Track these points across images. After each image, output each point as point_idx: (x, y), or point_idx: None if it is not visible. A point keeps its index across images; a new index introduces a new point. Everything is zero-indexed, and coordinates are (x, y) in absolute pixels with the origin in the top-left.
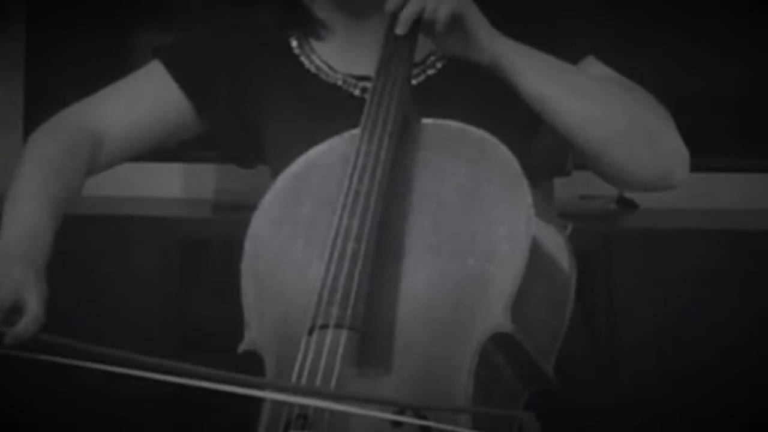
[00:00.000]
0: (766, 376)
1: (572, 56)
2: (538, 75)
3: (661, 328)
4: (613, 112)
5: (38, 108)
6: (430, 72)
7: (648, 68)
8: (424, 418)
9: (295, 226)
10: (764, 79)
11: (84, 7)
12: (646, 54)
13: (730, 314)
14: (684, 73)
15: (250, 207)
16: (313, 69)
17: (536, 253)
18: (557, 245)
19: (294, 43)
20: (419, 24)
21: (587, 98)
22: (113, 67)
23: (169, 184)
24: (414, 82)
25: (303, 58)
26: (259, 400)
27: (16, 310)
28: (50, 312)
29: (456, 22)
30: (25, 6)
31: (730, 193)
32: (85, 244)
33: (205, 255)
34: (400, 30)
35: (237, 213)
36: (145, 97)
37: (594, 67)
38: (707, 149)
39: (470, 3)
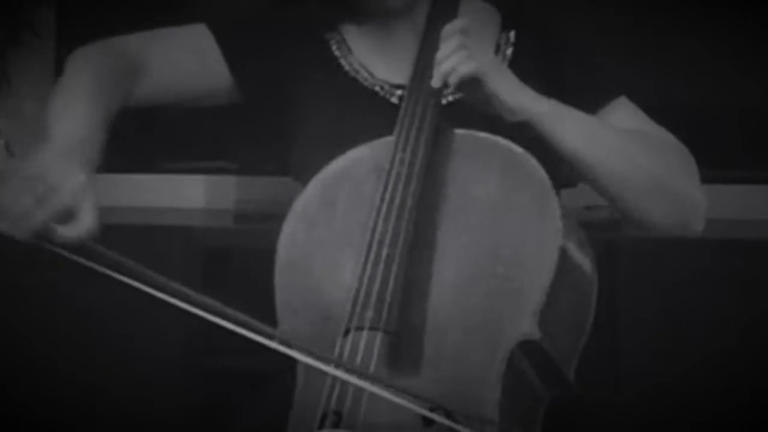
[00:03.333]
0: (766, 381)
1: (606, 95)
2: (571, 134)
3: (663, 333)
4: (640, 172)
5: None
6: None
7: (650, 78)
8: (453, 420)
9: (328, 229)
10: (766, 90)
11: (111, 26)
12: (650, 62)
13: (731, 321)
14: (685, 84)
15: (271, 217)
16: (352, 72)
17: (563, 262)
18: (582, 253)
19: (334, 45)
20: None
21: (617, 158)
22: None
23: (192, 195)
24: (451, 98)
25: (342, 61)
26: (291, 396)
27: (69, 213)
28: (75, 316)
29: (475, 84)
30: (54, 24)
31: (731, 203)
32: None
33: (226, 263)
34: (434, 83)
35: (258, 223)
36: (189, 54)
37: (625, 109)
38: (710, 161)
39: (495, 65)
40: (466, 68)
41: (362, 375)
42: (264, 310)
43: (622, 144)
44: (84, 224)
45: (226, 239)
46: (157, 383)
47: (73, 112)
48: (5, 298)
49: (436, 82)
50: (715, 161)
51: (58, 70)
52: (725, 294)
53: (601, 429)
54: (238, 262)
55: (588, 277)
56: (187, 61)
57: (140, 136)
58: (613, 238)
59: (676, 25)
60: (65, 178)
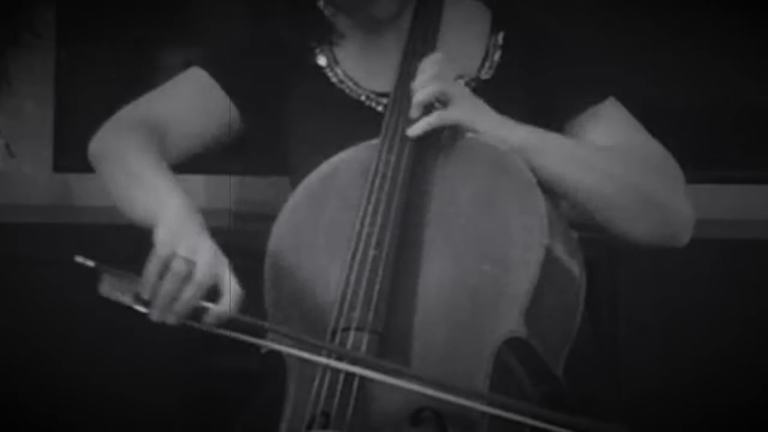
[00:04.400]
0: (765, 381)
1: (593, 97)
2: (550, 162)
3: (663, 333)
4: (625, 192)
5: (67, 122)
6: None
7: (650, 79)
8: (441, 419)
9: (316, 231)
10: (765, 90)
11: (111, 26)
12: (655, 62)
13: (731, 321)
14: (685, 84)
15: (269, 217)
16: (338, 82)
17: (550, 260)
18: (569, 253)
19: (319, 55)
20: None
21: (600, 181)
22: (139, 83)
23: (190, 195)
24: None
25: (328, 71)
26: (282, 399)
27: (213, 285)
28: (74, 315)
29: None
30: (54, 25)
31: (731, 203)
32: (111, 253)
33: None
34: (410, 133)
35: (256, 223)
36: (194, 100)
37: (611, 112)
38: (710, 161)
39: (470, 103)
40: (437, 118)
41: (357, 359)
42: (263, 310)
43: (604, 165)
44: (231, 295)
45: (226, 239)
46: (156, 383)
47: (161, 189)
48: (5, 298)
49: (414, 131)
50: (715, 161)
51: (58, 70)
52: (725, 294)
53: None
54: (238, 262)
55: (576, 278)
56: (198, 112)
57: None
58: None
59: (675, 25)
60: (196, 250)
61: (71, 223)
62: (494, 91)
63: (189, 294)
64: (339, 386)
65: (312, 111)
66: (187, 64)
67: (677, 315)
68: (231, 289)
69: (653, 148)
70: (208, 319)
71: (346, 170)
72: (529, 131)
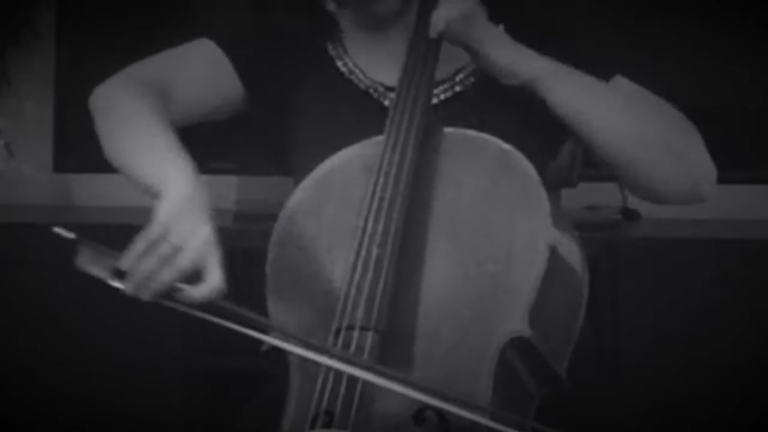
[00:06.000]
0: (766, 380)
1: (601, 75)
2: (571, 93)
3: (663, 332)
4: (642, 130)
5: (67, 122)
6: (458, 89)
7: (650, 78)
8: (444, 419)
9: (319, 229)
10: (766, 90)
11: (112, 25)
12: (655, 62)
13: (731, 321)
14: (686, 84)
15: (271, 217)
16: (347, 73)
17: (553, 260)
18: (572, 252)
19: (329, 45)
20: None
21: (618, 116)
22: None
23: None
24: (442, 97)
25: (338, 61)
26: (282, 399)
27: (196, 271)
28: (75, 316)
29: (469, 50)
30: (55, 24)
31: (731, 204)
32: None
33: (226, 263)
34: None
35: (258, 223)
36: (202, 67)
37: (622, 86)
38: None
39: (487, 29)
40: (455, 30)
41: (358, 363)
42: (264, 310)
43: (624, 104)
44: (210, 285)
45: (226, 239)
46: (157, 383)
47: (171, 160)
48: (5, 299)
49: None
50: (716, 161)
51: (58, 70)
52: (725, 294)
53: (601, 426)
54: (238, 262)
55: (579, 276)
56: (203, 79)
57: None
58: (613, 238)
59: (676, 25)
60: (190, 235)
61: (71, 223)
62: (494, 84)
63: (166, 276)
64: (343, 385)
65: (321, 101)
66: (209, 35)
67: (678, 315)
68: (215, 283)
69: (670, 106)
70: (182, 299)
71: (350, 168)
72: (544, 62)
